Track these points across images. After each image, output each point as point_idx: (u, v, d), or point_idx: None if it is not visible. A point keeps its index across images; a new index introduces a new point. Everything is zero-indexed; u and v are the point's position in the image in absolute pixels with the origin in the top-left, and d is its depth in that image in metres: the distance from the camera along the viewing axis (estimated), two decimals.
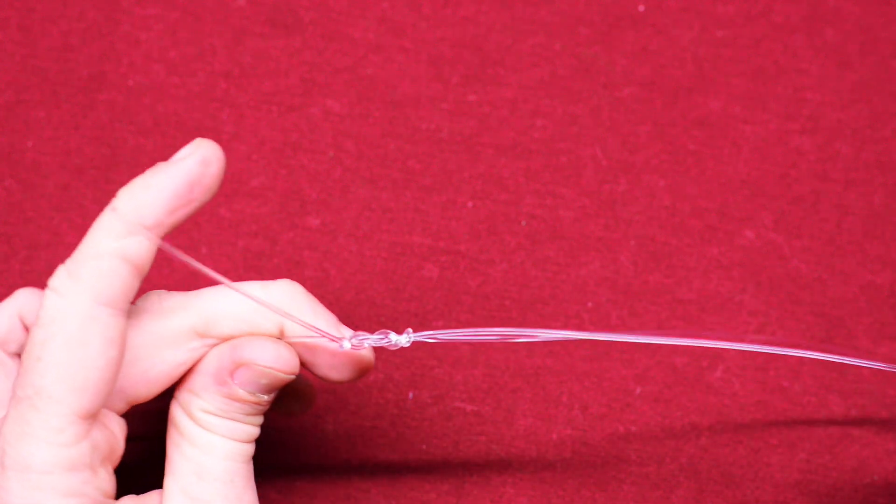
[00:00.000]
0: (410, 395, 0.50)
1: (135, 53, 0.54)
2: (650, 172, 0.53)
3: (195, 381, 0.38)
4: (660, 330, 0.47)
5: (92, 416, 0.37)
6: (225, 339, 0.39)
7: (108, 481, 0.37)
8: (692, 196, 0.52)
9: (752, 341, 0.49)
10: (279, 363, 0.38)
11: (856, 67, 0.54)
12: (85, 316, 0.36)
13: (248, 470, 0.39)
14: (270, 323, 0.39)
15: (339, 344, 0.39)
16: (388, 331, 0.40)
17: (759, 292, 0.51)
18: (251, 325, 0.39)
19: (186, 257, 0.37)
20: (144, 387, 0.39)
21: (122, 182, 0.53)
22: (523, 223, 0.52)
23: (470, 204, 0.52)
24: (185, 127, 0.53)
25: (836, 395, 0.50)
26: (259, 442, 0.52)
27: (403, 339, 0.40)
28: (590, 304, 0.51)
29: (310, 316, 0.39)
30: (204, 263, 0.46)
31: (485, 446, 0.49)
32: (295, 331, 0.39)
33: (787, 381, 0.50)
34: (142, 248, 0.37)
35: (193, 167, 0.37)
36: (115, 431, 0.38)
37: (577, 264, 0.52)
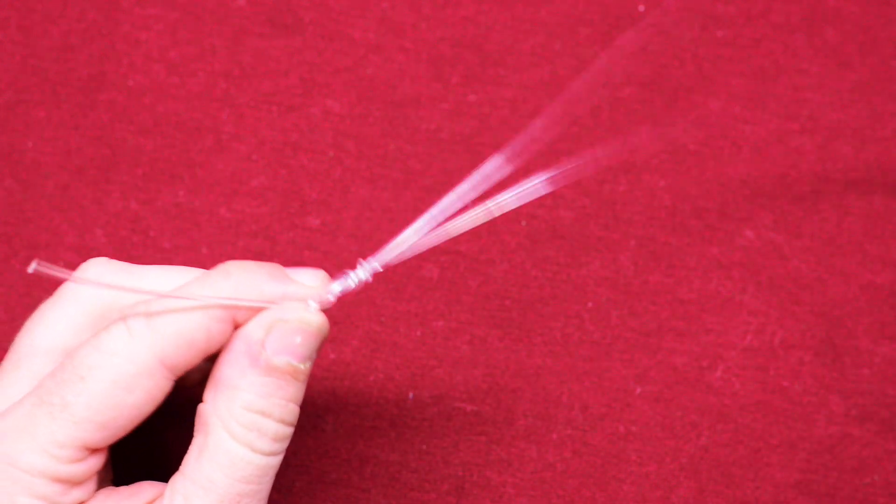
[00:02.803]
0: (410, 395, 0.50)
1: (135, 53, 0.54)
2: (650, 172, 0.53)
3: (227, 375, 0.37)
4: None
5: (94, 452, 0.37)
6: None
7: (80, 495, 0.38)
8: (692, 196, 0.52)
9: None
10: (307, 317, 0.38)
11: (856, 67, 0.54)
12: (145, 368, 0.36)
13: (259, 491, 0.38)
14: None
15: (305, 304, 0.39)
16: (347, 271, 0.40)
17: (759, 292, 0.51)
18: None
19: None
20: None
21: (122, 182, 0.53)
22: (523, 223, 0.52)
23: None
24: (185, 127, 0.53)
25: (836, 395, 0.50)
26: None
27: (362, 273, 0.40)
28: (590, 304, 0.51)
29: (265, 284, 0.38)
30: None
31: (485, 446, 0.49)
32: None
33: (787, 381, 0.50)
34: (223, 336, 0.37)
35: (311, 331, 0.38)
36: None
37: (577, 264, 0.52)
